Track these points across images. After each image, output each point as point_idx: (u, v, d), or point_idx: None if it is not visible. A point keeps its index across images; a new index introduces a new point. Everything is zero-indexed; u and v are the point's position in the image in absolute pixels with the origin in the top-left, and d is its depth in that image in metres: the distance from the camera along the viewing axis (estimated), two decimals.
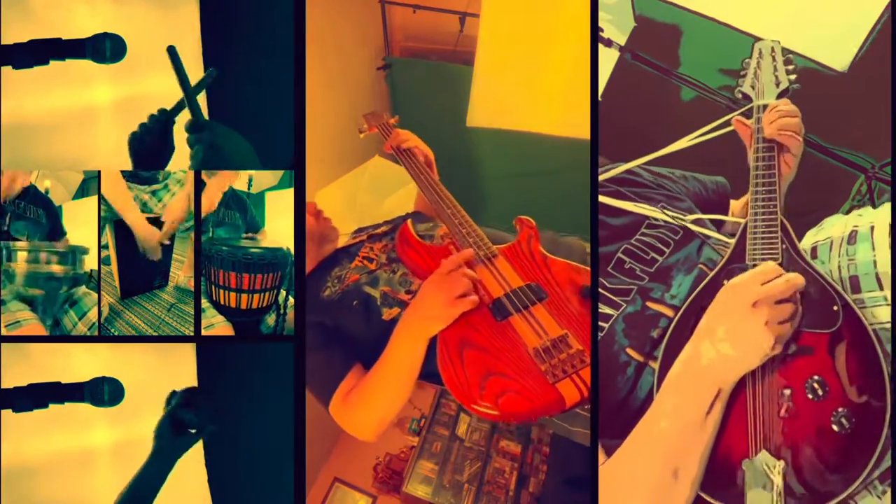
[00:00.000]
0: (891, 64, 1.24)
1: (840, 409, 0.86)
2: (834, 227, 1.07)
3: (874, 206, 1.44)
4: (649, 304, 1.06)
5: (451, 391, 0.95)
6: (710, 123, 1.17)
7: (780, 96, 1.12)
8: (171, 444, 1.11)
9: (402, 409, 1.12)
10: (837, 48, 1.43)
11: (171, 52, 1.09)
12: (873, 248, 0.98)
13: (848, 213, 1.31)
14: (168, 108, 1.14)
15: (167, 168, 1.18)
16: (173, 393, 1.14)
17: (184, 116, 1.12)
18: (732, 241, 1.03)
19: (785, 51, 1.14)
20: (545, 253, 1.10)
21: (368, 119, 1.52)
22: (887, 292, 0.97)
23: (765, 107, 1.09)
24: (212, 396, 1.17)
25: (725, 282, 0.96)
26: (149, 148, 1.14)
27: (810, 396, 0.88)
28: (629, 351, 1.03)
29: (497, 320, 0.99)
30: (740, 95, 1.14)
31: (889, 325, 0.97)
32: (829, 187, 1.48)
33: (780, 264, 0.95)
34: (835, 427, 0.86)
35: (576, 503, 1.22)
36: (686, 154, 1.21)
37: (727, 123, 1.15)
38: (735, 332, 0.88)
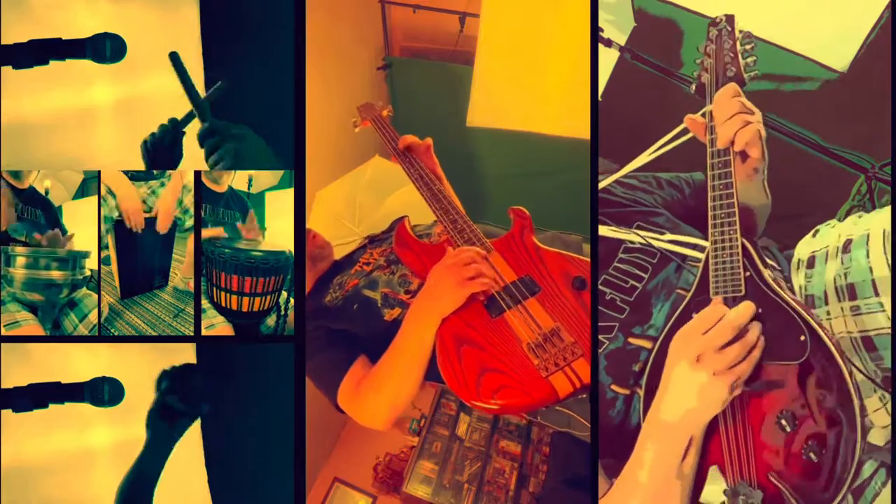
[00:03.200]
0: (891, 64, 1.24)
1: (811, 442, 0.85)
2: (829, 235, 1.06)
3: (874, 206, 1.44)
4: (631, 339, 1.05)
5: (451, 388, 0.97)
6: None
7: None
8: (164, 433, 1.10)
9: (407, 407, 1.12)
10: (837, 48, 1.43)
11: (174, 58, 1.09)
12: (868, 256, 0.97)
13: (847, 215, 1.31)
14: (178, 117, 1.14)
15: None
16: (162, 374, 1.12)
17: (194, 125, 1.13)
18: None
19: (743, 32, 1.01)
20: (538, 244, 1.10)
21: (362, 112, 1.50)
22: (883, 298, 0.96)
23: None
24: (199, 373, 1.14)
25: (694, 314, 0.93)
26: (159, 157, 1.15)
27: (780, 431, 0.87)
28: (614, 387, 1.04)
29: (492, 317, 1.01)
30: (693, 89, 1.05)
31: (886, 332, 0.97)
32: (829, 187, 1.48)
33: (745, 295, 0.92)
34: (804, 458, 0.85)
35: (576, 503, 1.22)
36: (660, 162, 1.17)
37: (685, 132, 1.07)
38: (689, 386, 0.88)
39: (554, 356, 0.95)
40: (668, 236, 1.13)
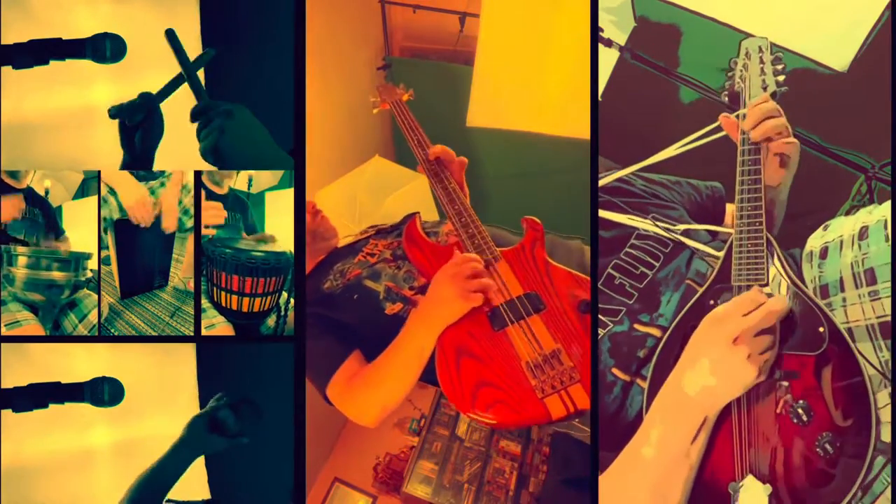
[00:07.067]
0: (891, 64, 1.24)
1: (825, 434, 0.85)
2: (843, 226, 1.06)
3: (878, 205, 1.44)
4: (637, 325, 1.05)
5: (448, 397, 0.98)
6: (709, 125, 1.16)
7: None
8: (199, 439, 1.12)
9: (403, 408, 1.13)
10: (837, 48, 1.43)
11: (170, 35, 1.08)
12: (886, 239, 0.98)
13: (848, 213, 1.31)
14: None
15: (156, 148, 1.16)
16: (223, 394, 1.16)
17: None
18: (721, 254, 1.01)
19: (775, 49, 1.10)
20: (549, 259, 1.10)
21: (381, 92, 1.47)
22: None
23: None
24: (259, 412, 1.18)
25: (712, 303, 0.95)
26: (129, 126, 1.11)
27: (795, 421, 0.87)
28: (614, 371, 1.03)
29: (494, 330, 1.00)
30: (726, 99, 1.11)
31: None
32: (829, 187, 1.48)
33: (765, 285, 0.94)
34: (819, 451, 0.85)
35: (576, 503, 1.22)
36: (681, 159, 1.19)
37: (717, 129, 1.11)
38: (718, 366, 0.88)
39: (552, 378, 0.95)
40: (682, 227, 1.15)
